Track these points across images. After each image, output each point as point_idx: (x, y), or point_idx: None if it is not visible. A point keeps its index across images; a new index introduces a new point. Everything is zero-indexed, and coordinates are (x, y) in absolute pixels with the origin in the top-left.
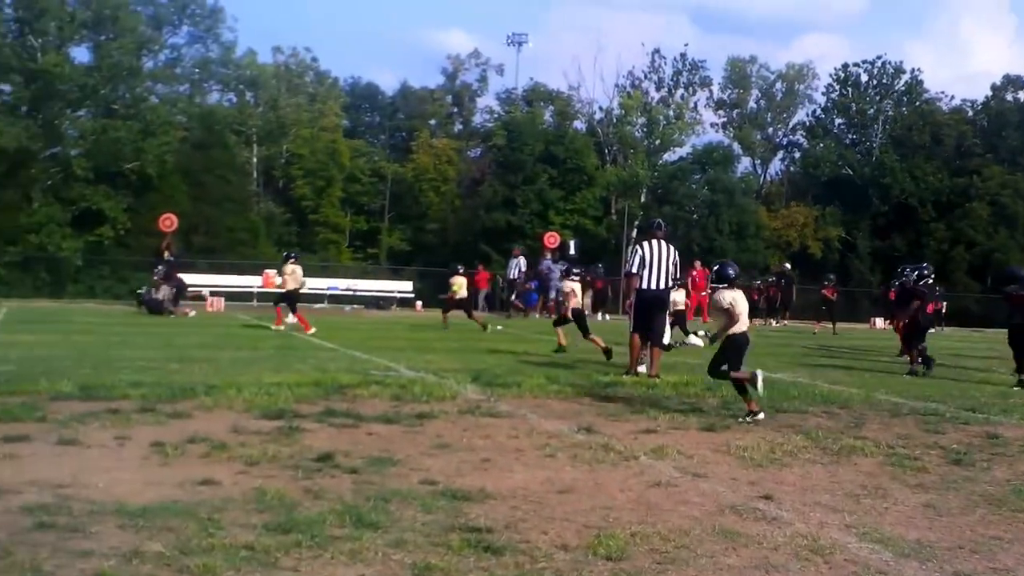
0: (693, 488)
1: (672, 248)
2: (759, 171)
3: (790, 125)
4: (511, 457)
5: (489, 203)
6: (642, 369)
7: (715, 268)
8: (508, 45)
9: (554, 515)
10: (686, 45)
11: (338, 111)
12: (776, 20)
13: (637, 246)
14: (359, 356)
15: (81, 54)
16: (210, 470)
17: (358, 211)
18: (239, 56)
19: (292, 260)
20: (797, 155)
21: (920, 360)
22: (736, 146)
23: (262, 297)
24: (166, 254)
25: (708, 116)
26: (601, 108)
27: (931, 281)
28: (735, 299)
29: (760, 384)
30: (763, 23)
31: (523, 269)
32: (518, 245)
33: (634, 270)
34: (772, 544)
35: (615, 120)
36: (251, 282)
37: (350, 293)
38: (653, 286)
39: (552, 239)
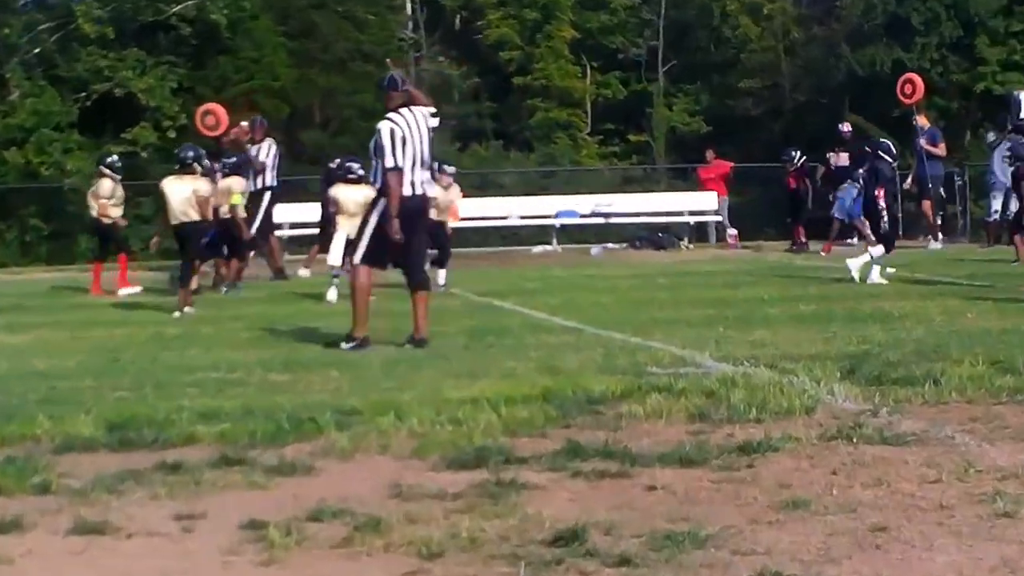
0: None
1: (427, 114)
2: None
3: None
4: (928, 521)
5: (855, 31)
6: None
7: None
8: None
9: None
10: None
11: None
12: None
13: (384, 121)
14: (620, 339)
15: None
16: (355, 572)
17: (607, 65)
18: None
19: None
20: None
21: None
22: None
23: None
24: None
25: None
26: None
27: None
28: None
29: None
30: None
31: (272, 158)
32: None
33: (398, 160)
34: None
35: None
36: None
37: (601, 222)
38: (415, 189)
39: (909, 87)
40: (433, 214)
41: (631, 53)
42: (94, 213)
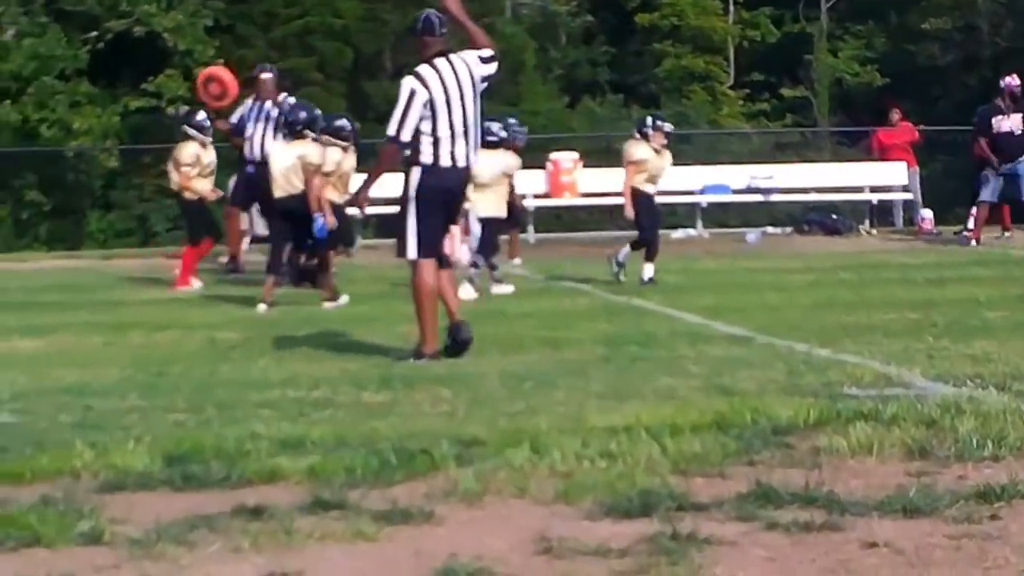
0: None
1: (473, 63)
2: None
3: None
4: None
5: None
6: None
7: None
8: None
9: None
10: None
11: None
12: None
13: (409, 77)
14: (802, 351)
15: None
16: None
17: None
18: None
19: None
20: None
21: None
22: None
23: (547, 219)
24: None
25: None
26: None
27: None
28: None
29: None
30: None
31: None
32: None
33: (403, 133)
34: None
35: None
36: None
37: (758, 200)
38: (456, 160)
39: None
40: (645, 186)
41: None
42: (174, 185)
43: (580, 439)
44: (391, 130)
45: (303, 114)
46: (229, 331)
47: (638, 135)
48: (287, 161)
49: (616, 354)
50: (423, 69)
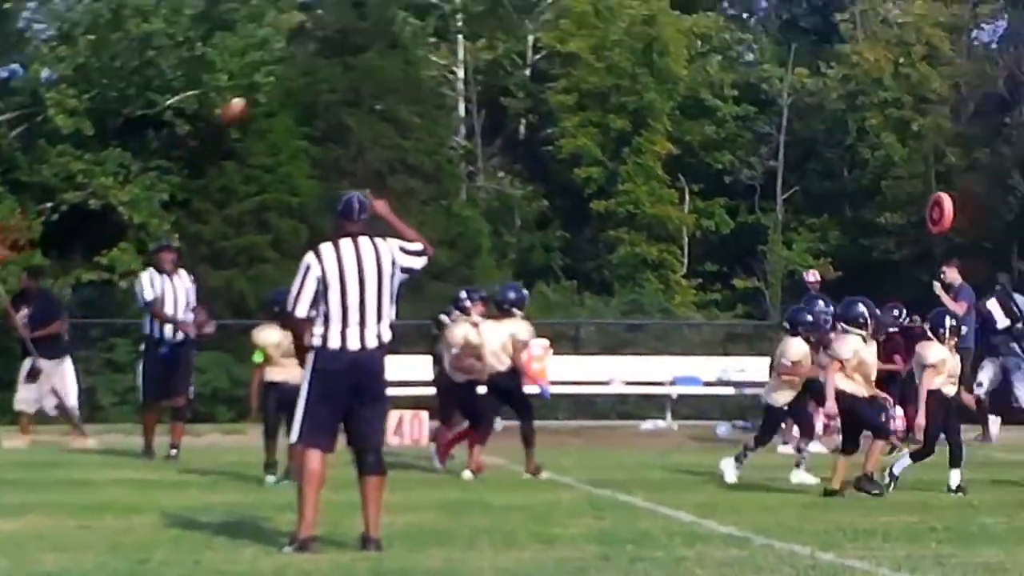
0: None
1: (386, 250)
2: None
3: None
4: None
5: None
6: None
7: None
8: None
9: None
10: None
11: None
12: None
13: (309, 253)
14: (805, 555)
15: None
16: None
17: (711, 189)
18: None
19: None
20: None
21: None
22: None
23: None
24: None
25: None
26: None
27: None
28: None
29: None
30: None
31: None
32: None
33: (299, 308)
34: None
35: None
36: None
37: (727, 393)
38: (349, 342)
39: None
40: (947, 388)
41: (742, 175)
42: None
43: None
44: (288, 304)
45: (512, 295)
46: (208, 516)
47: (932, 336)
48: (500, 338)
49: (613, 553)
50: (324, 246)
